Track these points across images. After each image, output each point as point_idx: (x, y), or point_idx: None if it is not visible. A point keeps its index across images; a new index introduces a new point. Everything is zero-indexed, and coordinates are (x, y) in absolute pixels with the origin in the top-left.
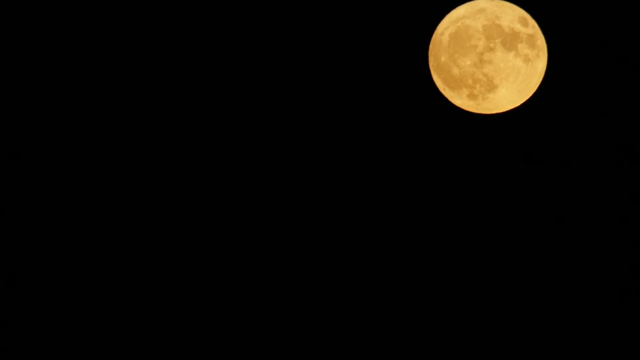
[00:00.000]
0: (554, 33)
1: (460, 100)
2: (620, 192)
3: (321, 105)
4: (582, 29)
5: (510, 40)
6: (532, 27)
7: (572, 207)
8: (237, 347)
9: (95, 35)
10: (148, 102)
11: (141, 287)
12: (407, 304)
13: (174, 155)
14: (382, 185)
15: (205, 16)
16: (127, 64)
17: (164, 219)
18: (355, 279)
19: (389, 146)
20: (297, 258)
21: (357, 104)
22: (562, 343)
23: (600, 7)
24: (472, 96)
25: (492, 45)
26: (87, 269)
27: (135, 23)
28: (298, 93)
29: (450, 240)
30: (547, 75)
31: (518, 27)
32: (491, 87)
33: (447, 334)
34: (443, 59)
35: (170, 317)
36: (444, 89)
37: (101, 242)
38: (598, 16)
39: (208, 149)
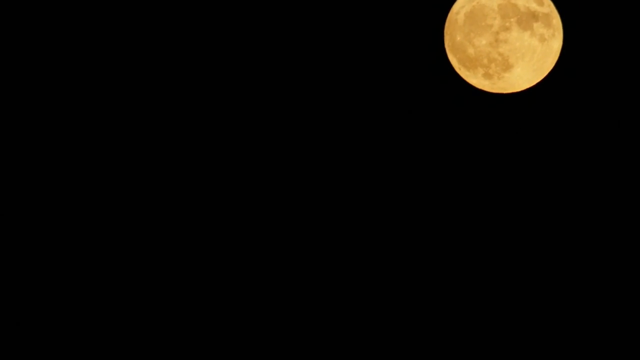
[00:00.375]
0: (569, 12)
1: (475, 79)
2: (636, 173)
3: (336, 85)
4: (598, 8)
5: (525, 20)
6: (548, 6)
7: (590, 188)
8: (237, 347)
9: (94, 35)
10: (147, 102)
11: (140, 287)
12: (428, 282)
13: (179, 155)
14: (397, 165)
15: (213, 12)
16: (126, 64)
17: (163, 219)
18: (371, 258)
19: (405, 126)
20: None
21: (372, 84)
22: (563, 343)
23: None
24: (487, 76)
25: (507, 24)
26: (86, 269)
27: (134, 22)
28: (313, 73)
29: (464, 220)
30: (562, 55)
31: (534, 6)
32: (507, 66)
33: (458, 322)
34: (458, 39)
35: (170, 317)
36: (460, 69)
37: (100, 241)
38: None
39: (222, 146)
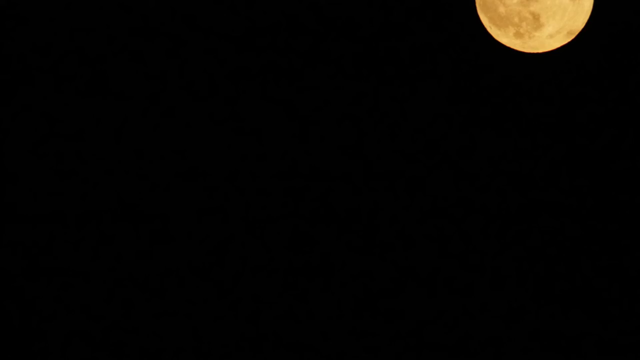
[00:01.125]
0: None
1: (506, 38)
2: None
3: (367, 45)
4: None
5: None
6: None
7: (621, 149)
8: (237, 347)
9: (95, 34)
10: (146, 102)
11: (141, 286)
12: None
13: (179, 154)
14: (427, 124)
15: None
16: (125, 64)
17: (162, 219)
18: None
19: (435, 85)
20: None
21: (403, 43)
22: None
23: None
24: (518, 35)
25: None
26: (86, 268)
27: (134, 22)
28: (343, 29)
29: (491, 177)
30: (593, 14)
31: None
32: (537, 25)
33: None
34: None
35: (170, 317)
36: (490, 28)
37: (100, 241)
38: None
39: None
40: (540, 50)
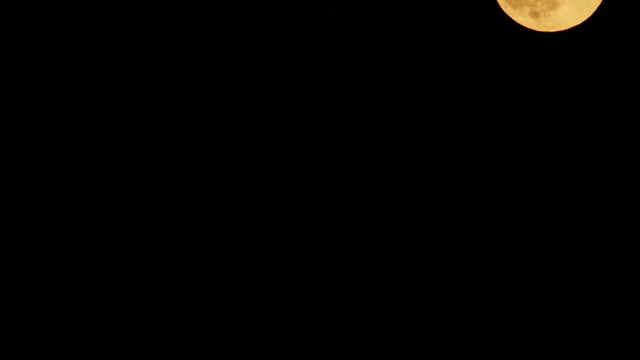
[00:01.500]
0: None
1: (522, 18)
2: None
3: (383, 25)
4: None
5: None
6: None
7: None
8: (237, 347)
9: (93, 34)
10: (146, 102)
11: (140, 287)
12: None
13: (178, 155)
14: (443, 104)
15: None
16: (124, 63)
17: (162, 219)
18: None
19: (451, 65)
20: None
21: (417, 23)
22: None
23: None
24: (534, 14)
25: None
26: (85, 268)
27: (134, 22)
28: (360, 9)
29: (509, 159)
30: None
31: None
32: (553, 4)
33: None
34: None
35: (170, 317)
36: (506, 7)
37: (100, 242)
38: None
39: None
40: (556, 30)
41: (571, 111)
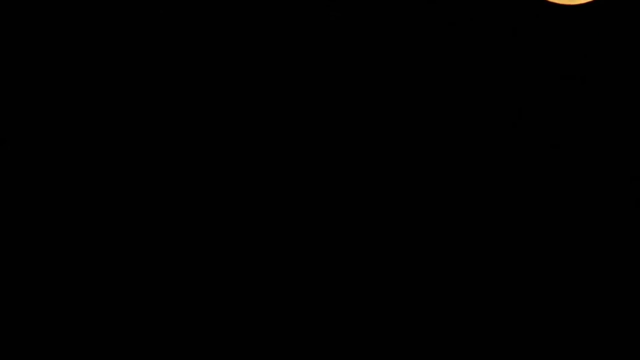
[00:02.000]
0: None
1: None
2: None
3: (401, 6)
4: None
5: None
6: None
7: None
8: (237, 347)
9: (93, 34)
10: (145, 102)
11: (140, 287)
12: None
13: (178, 155)
14: (463, 77)
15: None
16: (124, 63)
17: (162, 219)
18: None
19: (466, 39)
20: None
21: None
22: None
23: None
24: None
25: None
26: (85, 268)
27: (133, 21)
28: (361, 12)
29: (525, 132)
30: None
31: None
32: None
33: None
34: None
35: (170, 317)
36: None
37: (100, 241)
38: None
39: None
40: (572, 2)
41: (586, 85)
